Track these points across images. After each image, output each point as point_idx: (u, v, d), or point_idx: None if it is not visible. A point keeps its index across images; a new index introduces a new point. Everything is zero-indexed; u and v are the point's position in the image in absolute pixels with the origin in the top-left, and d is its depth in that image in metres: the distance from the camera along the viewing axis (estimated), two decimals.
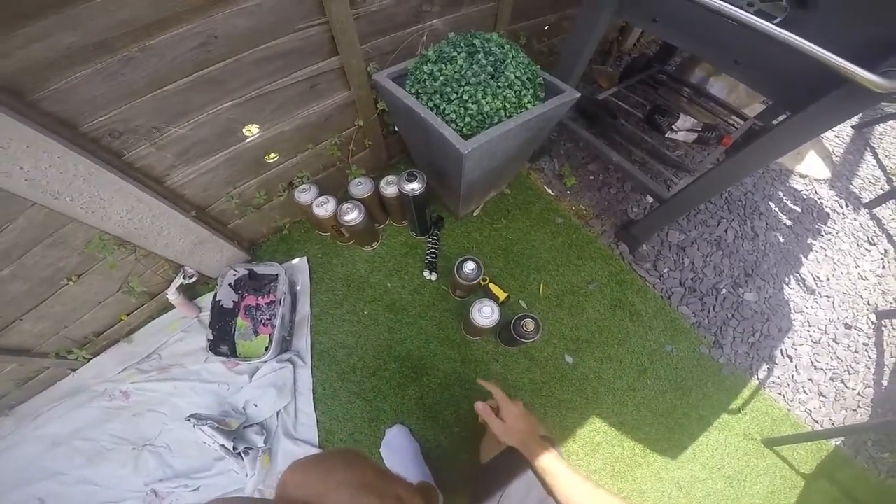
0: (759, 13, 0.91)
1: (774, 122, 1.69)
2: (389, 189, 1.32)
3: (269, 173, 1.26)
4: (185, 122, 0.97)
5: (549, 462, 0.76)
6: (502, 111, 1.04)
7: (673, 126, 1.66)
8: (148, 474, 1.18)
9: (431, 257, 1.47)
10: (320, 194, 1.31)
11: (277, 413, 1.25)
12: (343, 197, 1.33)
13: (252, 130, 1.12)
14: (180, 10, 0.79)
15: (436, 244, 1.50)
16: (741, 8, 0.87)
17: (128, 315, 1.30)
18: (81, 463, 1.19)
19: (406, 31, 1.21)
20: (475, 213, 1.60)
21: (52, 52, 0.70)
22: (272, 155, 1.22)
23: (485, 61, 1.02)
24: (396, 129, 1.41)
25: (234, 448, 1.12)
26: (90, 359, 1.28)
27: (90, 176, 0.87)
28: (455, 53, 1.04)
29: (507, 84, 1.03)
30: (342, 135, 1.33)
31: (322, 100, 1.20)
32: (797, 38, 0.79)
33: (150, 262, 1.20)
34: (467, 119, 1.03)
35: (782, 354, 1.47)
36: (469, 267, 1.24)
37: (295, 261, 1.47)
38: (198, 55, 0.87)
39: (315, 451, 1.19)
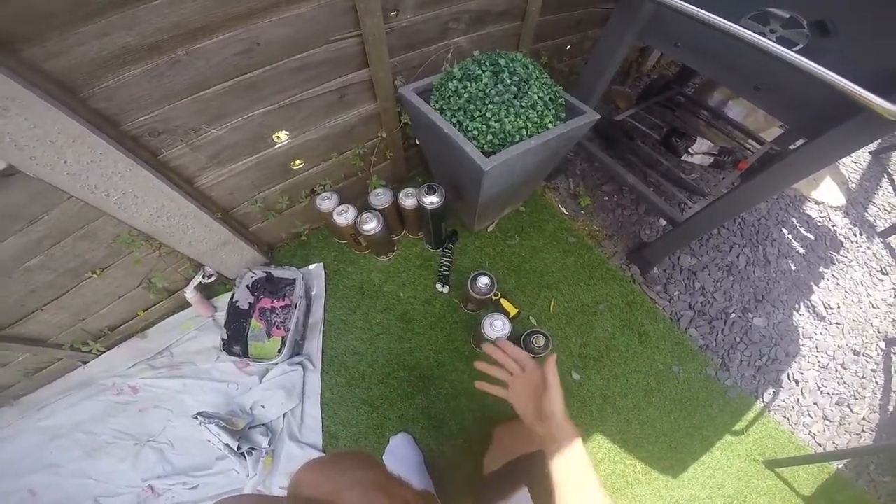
0: (780, 40, 0.94)
1: (791, 147, 1.71)
2: (408, 201, 1.35)
3: (293, 179, 1.30)
4: (220, 125, 1.01)
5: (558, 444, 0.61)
6: (524, 130, 1.07)
7: (689, 149, 1.69)
8: (147, 470, 1.18)
9: (445, 270, 1.49)
10: (341, 202, 1.34)
11: (284, 415, 1.25)
12: (362, 206, 1.36)
13: (281, 137, 1.15)
14: (228, 16, 0.84)
15: (449, 257, 1.51)
16: (763, 35, 0.90)
17: (145, 311, 1.32)
18: (79, 456, 1.19)
19: (432, 46, 1.26)
20: (489, 229, 1.62)
21: (106, 50, 0.75)
22: (298, 162, 1.26)
23: (509, 81, 1.06)
24: (417, 142, 1.45)
25: (239, 448, 1.12)
26: (103, 352, 1.30)
27: (127, 173, 0.90)
28: (480, 72, 1.08)
29: (529, 104, 1.06)
30: (365, 145, 1.37)
31: (349, 110, 1.24)
32: (817, 66, 0.81)
33: (172, 260, 1.23)
34: (489, 136, 1.07)
35: (789, 378, 1.48)
36: (483, 281, 1.25)
37: (312, 266, 1.49)
38: (239, 61, 0.92)
39: (318, 454, 1.20)
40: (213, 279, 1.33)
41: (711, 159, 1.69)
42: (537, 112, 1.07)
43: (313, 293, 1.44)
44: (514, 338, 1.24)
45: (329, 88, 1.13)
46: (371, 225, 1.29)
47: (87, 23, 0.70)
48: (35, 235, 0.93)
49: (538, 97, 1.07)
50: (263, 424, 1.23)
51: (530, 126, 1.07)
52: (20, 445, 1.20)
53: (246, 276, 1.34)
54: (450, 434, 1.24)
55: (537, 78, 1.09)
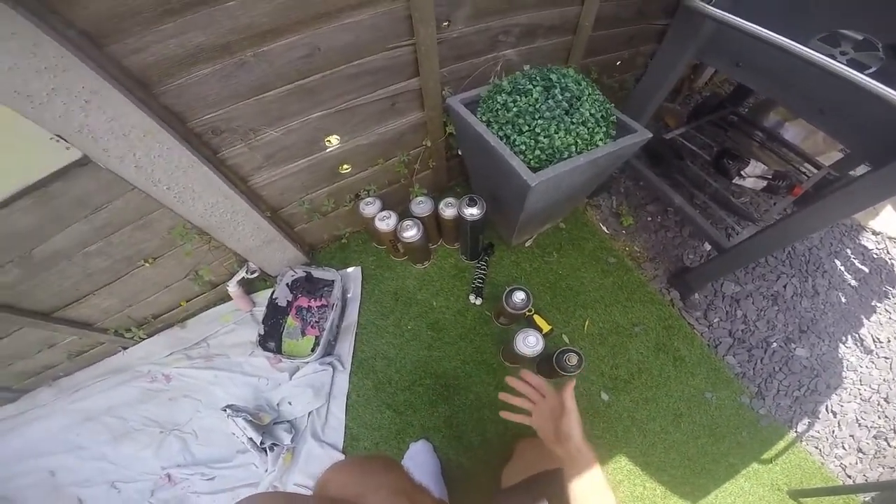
0: (851, 62, 0.89)
1: (851, 172, 1.62)
2: (448, 211, 1.35)
3: (340, 183, 1.32)
4: (278, 127, 1.04)
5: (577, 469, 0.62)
6: (573, 147, 1.05)
7: (742, 172, 1.62)
8: (168, 458, 1.20)
9: (479, 282, 1.47)
10: (383, 208, 1.35)
11: (309, 414, 1.26)
12: (403, 213, 1.37)
13: (332, 141, 1.18)
14: (294, 20, 0.86)
15: (484, 270, 1.50)
16: (832, 57, 0.85)
17: (187, 301, 1.36)
18: (105, 440, 1.22)
19: (481, 58, 1.26)
20: (527, 244, 1.59)
21: (182, 49, 0.78)
22: (346, 166, 1.28)
23: (560, 97, 1.05)
24: (460, 152, 1.45)
25: (262, 443, 1.13)
26: (144, 339, 1.34)
27: (189, 168, 0.94)
28: (531, 86, 1.07)
29: (580, 121, 1.04)
30: (410, 153, 1.38)
31: (398, 118, 1.26)
32: (891, 90, 0.77)
33: (219, 254, 1.26)
34: (537, 152, 1.05)
35: (827, 410, 1.44)
36: (518, 296, 1.23)
37: (350, 269, 1.50)
38: (302, 65, 0.95)
39: (339, 454, 1.20)
40: (255, 275, 1.36)
41: (764, 183, 1.62)
42: (588, 129, 1.05)
43: (349, 295, 1.45)
44: (547, 355, 1.21)
45: (382, 95, 1.15)
46: (411, 232, 1.30)
47: (167, 20, 0.74)
48: (98, 223, 0.98)
49: (590, 114, 1.05)
50: (288, 421, 1.24)
51: (580, 143, 1.05)
52: (50, 425, 1.24)
53: (287, 275, 1.37)
54: (469, 445, 1.23)
55: (589, 94, 1.07)
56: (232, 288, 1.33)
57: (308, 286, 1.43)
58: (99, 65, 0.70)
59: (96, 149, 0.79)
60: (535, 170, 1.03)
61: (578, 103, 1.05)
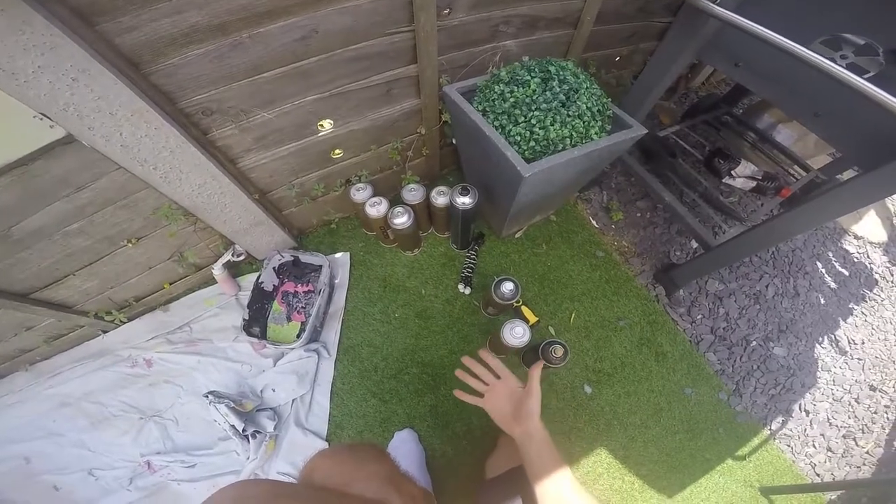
0: (850, 66, 0.91)
1: (839, 176, 1.67)
2: (440, 199, 1.34)
3: (331, 168, 1.30)
4: (270, 109, 1.02)
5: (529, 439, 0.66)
6: (568, 140, 1.06)
7: (732, 171, 1.65)
8: (147, 445, 1.19)
9: (468, 272, 1.48)
10: (374, 195, 1.34)
11: (293, 401, 1.26)
12: (394, 200, 1.36)
13: (325, 126, 1.16)
14: (293, 2, 0.84)
15: (474, 260, 1.51)
16: (832, 60, 0.87)
17: (171, 284, 1.33)
18: (83, 426, 1.20)
19: (480, 48, 1.25)
20: (517, 235, 1.61)
21: (176, 28, 0.75)
22: (338, 151, 1.26)
23: (558, 89, 1.05)
24: (454, 141, 1.44)
25: (244, 430, 1.12)
26: (125, 322, 1.32)
27: (177, 149, 0.91)
28: (529, 77, 1.07)
29: (577, 113, 1.05)
30: (404, 140, 1.37)
31: (393, 104, 1.24)
32: (888, 95, 0.78)
33: (205, 236, 1.24)
34: (531, 143, 1.06)
35: (800, 409, 1.49)
36: (507, 287, 1.24)
37: (338, 255, 1.50)
38: (297, 47, 0.92)
39: (322, 443, 1.21)
40: (241, 258, 1.34)
41: (754, 184, 1.66)
42: (584, 122, 1.06)
43: (337, 281, 1.45)
44: (533, 346, 1.24)
45: (378, 81, 1.13)
46: (402, 219, 1.29)
47: None
48: (80, 202, 0.95)
49: (586, 107, 1.05)
50: (271, 408, 1.24)
51: (575, 136, 1.06)
52: (26, 411, 1.21)
53: (274, 259, 1.35)
54: (454, 435, 1.25)
55: (587, 88, 1.07)
56: (217, 271, 1.31)
57: (295, 271, 1.42)
58: (89, 43, 0.67)
59: (81, 127, 0.76)
60: (529, 161, 1.04)
61: (576, 96, 1.05)
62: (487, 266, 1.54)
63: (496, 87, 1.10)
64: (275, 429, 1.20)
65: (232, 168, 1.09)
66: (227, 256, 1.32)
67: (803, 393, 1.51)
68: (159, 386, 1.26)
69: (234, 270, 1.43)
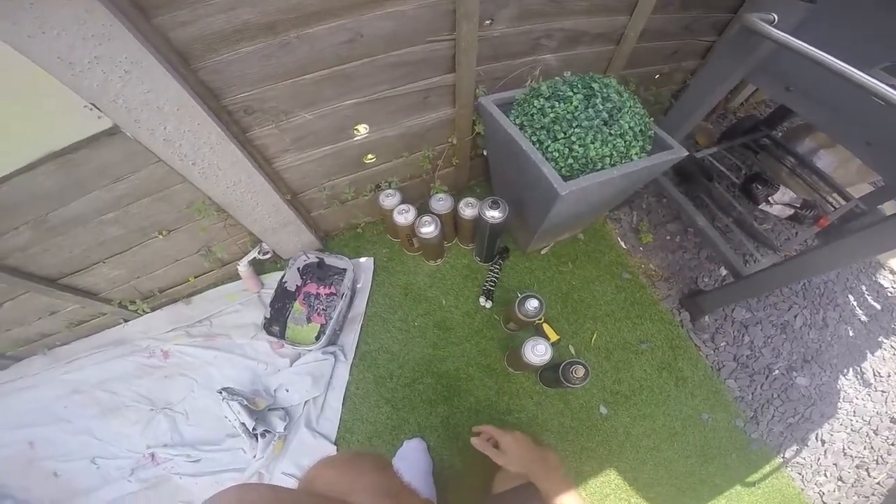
0: None
1: (880, 207, 1.60)
2: (468, 211, 1.33)
3: (362, 173, 1.30)
4: (310, 111, 1.02)
5: (562, 495, 0.71)
6: (608, 159, 1.03)
7: (770, 198, 1.60)
8: (154, 437, 1.18)
9: (490, 285, 1.46)
10: (403, 202, 1.33)
11: (305, 402, 1.25)
12: (421, 208, 1.35)
13: (361, 130, 1.15)
14: (341, 4, 0.84)
15: (497, 274, 1.48)
16: (894, 88, 0.83)
17: (196, 277, 1.34)
18: (92, 414, 1.20)
19: (519, 60, 1.23)
20: (543, 252, 1.58)
21: (228, 25, 0.76)
22: (370, 156, 1.26)
23: (601, 106, 1.02)
24: (485, 153, 1.43)
25: (254, 429, 1.11)
26: (148, 312, 1.32)
27: (217, 146, 0.91)
28: (571, 93, 1.05)
29: (619, 133, 1.02)
30: (435, 149, 1.36)
31: (428, 112, 1.23)
32: None
33: (234, 232, 1.25)
34: (570, 161, 1.03)
35: (816, 438, 1.46)
36: (532, 304, 1.22)
37: (362, 259, 1.49)
38: (342, 50, 0.92)
39: (331, 446, 1.19)
40: (268, 256, 1.34)
41: (791, 212, 1.60)
42: (625, 142, 1.03)
43: (359, 286, 1.44)
44: (553, 365, 1.21)
45: (416, 88, 1.12)
46: (429, 229, 1.28)
47: None
48: (117, 192, 0.96)
49: (629, 126, 1.03)
50: (283, 408, 1.23)
51: (615, 155, 1.03)
52: (38, 396, 1.21)
53: (299, 259, 1.35)
54: (464, 447, 1.23)
55: (630, 107, 1.05)
56: (242, 267, 1.31)
57: (319, 272, 1.41)
58: (145, 36, 0.68)
59: (128, 119, 0.77)
60: (566, 178, 1.02)
61: (619, 115, 1.03)
62: (510, 281, 1.51)
63: (536, 101, 1.08)
64: (285, 429, 1.19)
65: (267, 167, 1.09)
66: (254, 254, 1.32)
67: (822, 423, 1.48)
68: (174, 378, 1.26)
69: (259, 268, 1.43)
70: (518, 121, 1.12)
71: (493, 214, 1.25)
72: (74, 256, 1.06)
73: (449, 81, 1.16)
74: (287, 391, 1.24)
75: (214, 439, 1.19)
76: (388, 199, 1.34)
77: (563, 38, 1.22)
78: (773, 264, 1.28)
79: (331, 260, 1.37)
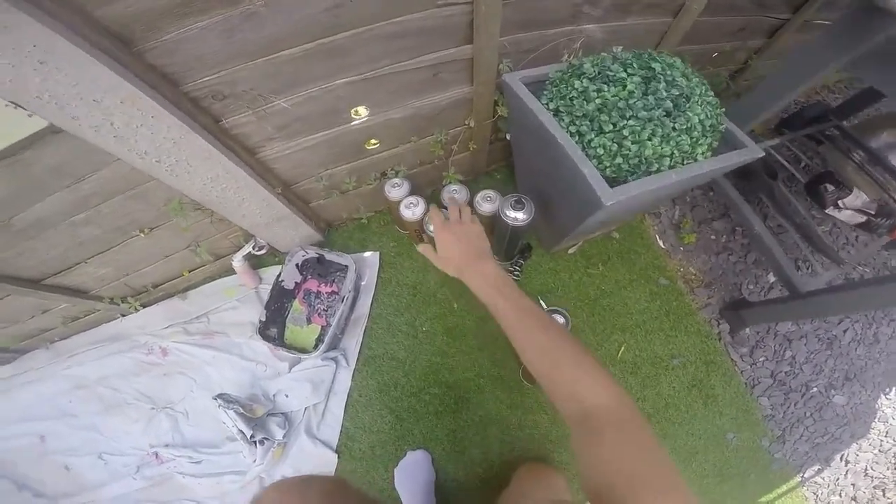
0: None
1: None
2: (485, 206, 1.15)
3: (364, 160, 1.13)
4: (294, 93, 0.84)
5: (493, 297, 0.62)
6: (667, 159, 0.81)
7: (840, 201, 1.33)
8: (157, 437, 1.17)
9: None
10: (411, 193, 1.17)
11: (305, 408, 1.19)
12: (433, 198, 1.19)
13: (360, 113, 0.97)
14: None
15: (517, 275, 1.32)
16: None
17: (190, 272, 1.25)
18: (96, 410, 1.19)
19: (554, 30, 0.99)
20: (570, 251, 1.39)
21: None
22: (373, 142, 1.08)
23: (664, 93, 0.79)
24: (507, 137, 1.21)
25: (252, 437, 1.07)
26: (141, 309, 1.26)
27: (181, 140, 0.76)
28: (625, 74, 0.82)
29: (684, 127, 0.80)
30: (449, 133, 1.17)
31: (440, 91, 1.03)
32: None
33: (223, 227, 1.13)
34: (618, 160, 0.82)
35: (841, 458, 1.40)
36: (557, 321, 1.07)
37: (367, 254, 1.35)
38: (326, 19, 0.72)
39: (331, 454, 1.16)
40: (263, 251, 1.23)
41: (863, 219, 1.34)
42: (692, 139, 0.81)
43: (363, 283, 1.32)
44: None
45: (424, 63, 0.92)
46: None
47: None
48: (83, 193, 0.85)
49: (698, 120, 0.80)
50: (283, 413, 1.18)
51: (677, 155, 0.81)
52: (44, 390, 1.21)
53: (297, 255, 1.23)
54: (470, 462, 1.18)
55: (701, 95, 0.81)
56: (237, 263, 1.21)
57: (320, 268, 1.30)
58: (53, 16, 0.52)
59: (64, 117, 0.63)
60: (610, 181, 0.81)
61: (687, 105, 0.79)
62: (531, 282, 1.35)
63: (577, 81, 0.85)
64: (284, 437, 1.14)
65: (250, 159, 0.94)
66: (248, 249, 1.21)
67: (850, 443, 1.42)
68: (173, 377, 1.22)
69: (256, 262, 1.33)
70: (553, 105, 0.90)
71: (517, 216, 1.06)
72: (52, 258, 0.99)
73: (465, 54, 0.94)
74: (286, 396, 1.18)
75: (214, 442, 1.17)
76: (395, 189, 1.17)
77: (610, 5, 0.97)
78: (846, 289, 1.07)
79: (331, 256, 1.24)
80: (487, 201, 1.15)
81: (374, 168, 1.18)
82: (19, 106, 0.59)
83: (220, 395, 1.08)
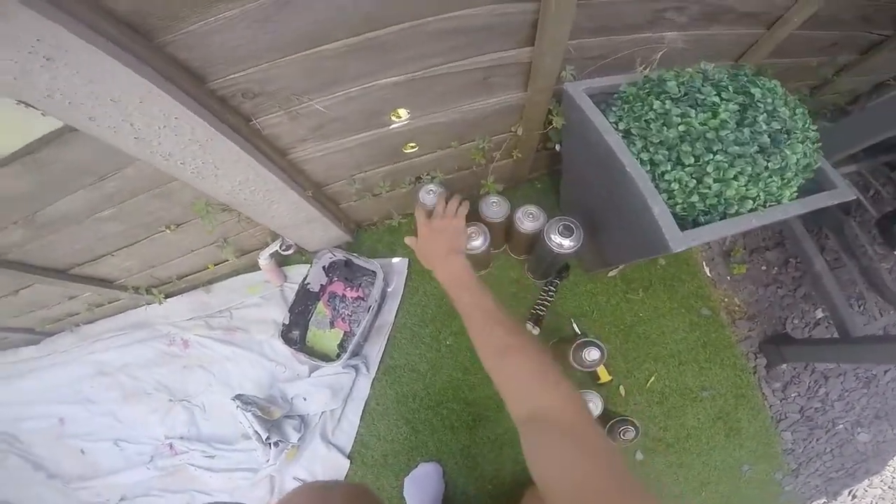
0: None
1: None
2: (527, 223, 1.05)
3: (401, 164, 1.04)
4: (332, 93, 0.75)
5: (457, 292, 0.66)
6: (750, 202, 0.70)
7: None
8: (172, 428, 1.17)
9: (541, 309, 1.22)
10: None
11: (321, 413, 1.18)
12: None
13: (400, 115, 0.88)
14: None
15: (552, 296, 1.23)
16: None
17: (215, 265, 1.22)
18: (116, 397, 1.20)
19: (629, 36, 0.86)
20: (611, 274, 1.29)
21: None
22: (411, 145, 0.99)
23: (764, 126, 0.67)
24: (558, 148, 1.10)
25: (267, 438, 1.06)
26: (165, 301, 1.25)
27: (207, 142, 0.69)
28: (718, 99, 0.69)
29: (778, 167, 0.68)
30: (492, 139, 1.06)
31: (489, 96, 0.92)
32: None
33: (249, 226, 1.08)
34: (694, 197, 0.71)
35: (849, 493, 1.39)
36: (592, 354, 1.01)
37: (395, 259, 1.29)
38: (372, 9, 0.62)
39: (344, 459, 1.15)
40: (290, 251, 1.18)
41: None
42: (783, 181, 0.69)
43: (389, 289, 1.26)
44: (601, 417, 1.11)
45: (476, 65, 0.80)
46: (476, 242, 1.04)
47: None
48: (107, 190, 0.80)
49: (795, 160, 0.68)
50: (299, 416, 1.16)
51: (762, 198, 0.70)
52: (67, 374, 1.22)
53: (325, 257, 1.18)
54: (481, 477, 1.17)
55: (803, 129, 0.68)
56: (263, 261, 1.16)
57: (347, 272, 1.25)
58: (62, 10, 0.44)
59: (79, 116, 0.56)
60: (679, 218, 0.71)
61: (787, 142, 0.67)
62: (565, 303, 1.27)
63: (657, 102, 0.73)
64: (299, 440, 1.13)
65: (281, 161, 0.87)
66: (275, 247, 1.16)
67: (862, 479, 1.40)
68: (193, 370, 1.21)
69: (282, 259, 1.28)
70: (623, 125, 0.79)
71: (562, 242, 0.97)
72: (78, 250, 0.96)
73: (523, 58, 0.82)
74: (304, 400, 1.16)
75: (229, 438, 1.17)
76: (430, 196, 1.07)
77: (699, 12, 0.83)
78: None
79: (359, 261, 1.18)
80: (529, 218, 1.06)
81: (409, 172, 1.09)
82: (30, 105, 0.53)
83: (238, 396, 1.06)
